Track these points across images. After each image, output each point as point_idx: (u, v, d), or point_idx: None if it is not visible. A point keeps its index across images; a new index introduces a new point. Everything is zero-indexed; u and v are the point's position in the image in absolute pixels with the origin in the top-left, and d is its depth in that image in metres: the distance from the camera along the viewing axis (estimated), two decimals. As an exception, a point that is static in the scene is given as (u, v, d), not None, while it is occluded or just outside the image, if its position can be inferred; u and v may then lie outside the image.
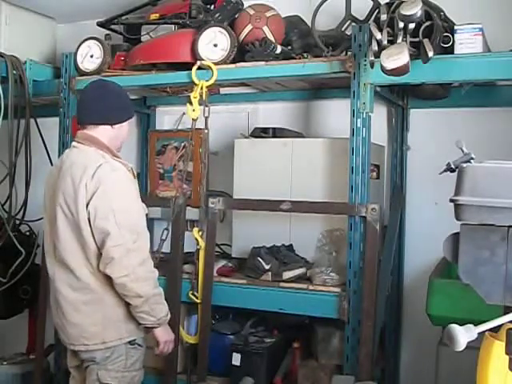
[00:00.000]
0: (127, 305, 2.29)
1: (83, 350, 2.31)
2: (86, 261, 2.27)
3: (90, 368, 2.34)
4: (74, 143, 2.43)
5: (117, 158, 2.39)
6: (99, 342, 2.28)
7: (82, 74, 3.24)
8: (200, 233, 2.91)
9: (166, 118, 3.87)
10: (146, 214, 2.45)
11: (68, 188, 2.28)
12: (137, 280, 2.22)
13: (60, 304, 2.33)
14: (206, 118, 2.92)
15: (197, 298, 2.88)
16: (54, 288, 2.37)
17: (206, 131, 2.96)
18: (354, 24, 2.83)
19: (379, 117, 3.15)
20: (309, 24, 2.89)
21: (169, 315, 2.38)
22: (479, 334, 1.39)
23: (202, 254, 2.90)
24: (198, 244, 2.91)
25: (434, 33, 2.41)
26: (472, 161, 1.61)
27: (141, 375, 2.43)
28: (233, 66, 2.88)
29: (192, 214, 3.09)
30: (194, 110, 2.90)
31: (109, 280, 2.26)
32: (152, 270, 2.32)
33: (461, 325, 1.38)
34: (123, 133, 2.46)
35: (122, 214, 2.24)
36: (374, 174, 3.01)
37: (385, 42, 2.41)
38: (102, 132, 2.38)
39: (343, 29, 2.90)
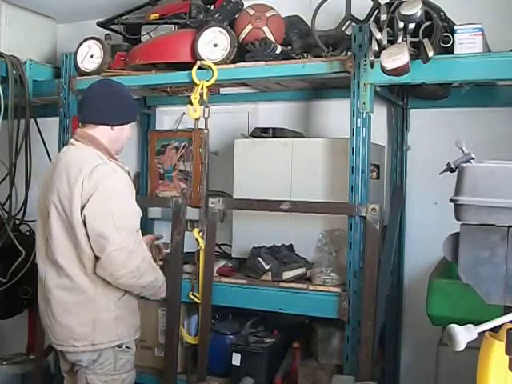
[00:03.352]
0: (118, 308, 2.29)
1: (71, 351, 2.28)
2: (79, 261, 2.24)
3: (79, 372, 2.33)
4: (71, 140, 2.41)
5: (113, 160, 2.35)
6: (88, 344, 2.25)
7: (82, 73, 3.24)
8: (200, 233, 2.91)
9: (166, 118, 3.87)
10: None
11: (63, 186, 2.24)
12: (140, 276, 2.26)
13: (50, 303, 2.30)
14: (206, 119, 2.92)
15: (197, 298, 2.88)
16: (44, 287, 2.33)
17: (205, 131, 2.96)
18: (354, 24, 2.83)
19: (379, 117, 3.15)
20: (309, 24, 2.89)
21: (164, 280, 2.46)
22: (479, 334, 1.39)
23: (202, 254, 2.90)
24: (198, 244, 2.91)
25: (434, 33, 2.40)
26: (472, 161, 1.61)
27: (132, 376, 2.41)
28: (233, 65, 2.88)
29: (192, 213, 3.09)
30: (195, 111, 2.90)
31: (100, 281, 2.24)
32: (149, 259, 2.34)
33: (461, 325, 1.38)
34: (123, 136, 2.42)
35: (121, 216, 2.21)
36: (374, 174, 3.02)
37: (385, 42, 2.41)
38: (102, 132, 2.35)
39: (343, 29, 2.90)
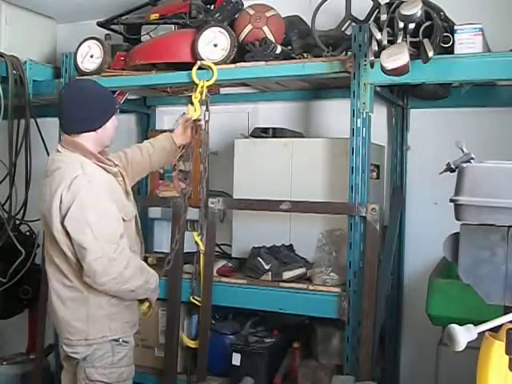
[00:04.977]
0: (111, 305, 2.33)
1: (66, 343, 2.35)
2: (70, 265, 2.30)
3: (79, 366, 2.37)
4: (58, 147, 2.41)
5: (100, 163, 2.34)
6: (82, 339, 2.31)
7: (82, 73, 3.23)
8: (200, 236, 2.90)
9: (166, 118, 3.87)
10: (137, 215, 2.49)
11: (46, 196, 2.29)
12: (125, 282, 2.27)
13: (51, 298, 2.38)
14: (207, 122, 2.89)
15: (198, 301, 2.87)
16: (49, 283, 2.41)
17: (205, 133, 2.96)
18: (354, 24, 2.83)
19: (379, 117, 3.15)
20: (309, 24, 2.89)
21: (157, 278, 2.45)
22: (479, 334, 1.39)
23: (201, 255, 2.89)
24: (198, 247, 2.90)
25: (434, 33, 2.41)
26: (472, 161, 1.61)
27: (130, 371, 2.42)
28: (233, 65, 2.88)
29: (192, 213, 3.08)
30: (195, 111, 2.89)
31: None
32: (136, 264, 2.34)
33: (461, 325, 1.38)
34: (108, 130, 2.41)
35: (100, 226, 2.21)
36: (374, 174, 3.02)
37: (385, 42, 2.41)
38: (86, 138, 2.35)
39: (343, 29, 2.90)
